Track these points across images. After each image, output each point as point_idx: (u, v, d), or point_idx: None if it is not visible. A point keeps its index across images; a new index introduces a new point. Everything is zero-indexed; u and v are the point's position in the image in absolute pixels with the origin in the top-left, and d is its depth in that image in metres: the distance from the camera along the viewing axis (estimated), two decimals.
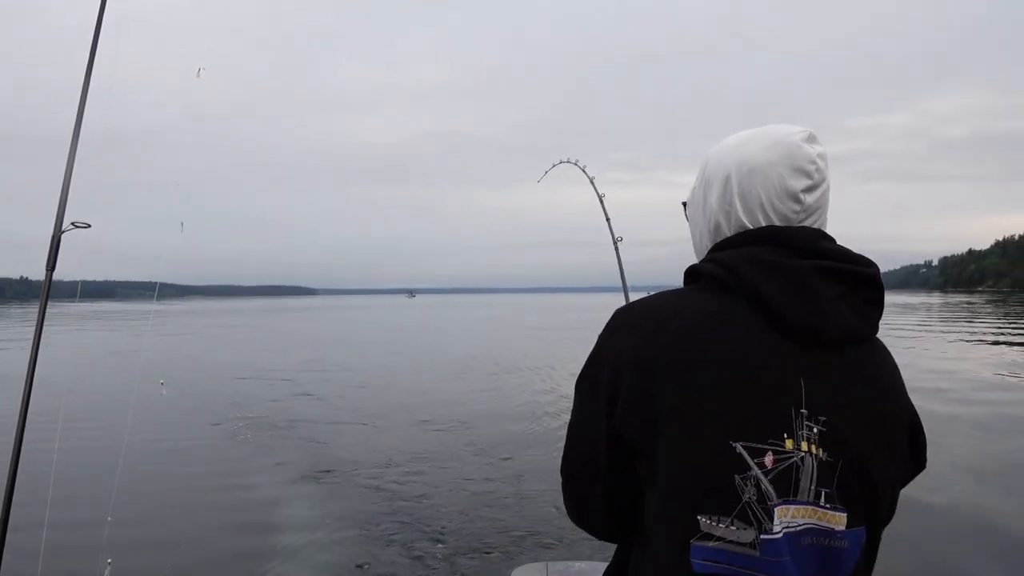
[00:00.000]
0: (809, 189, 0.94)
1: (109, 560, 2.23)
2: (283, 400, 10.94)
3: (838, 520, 0.86)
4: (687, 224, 1.11)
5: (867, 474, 0.88)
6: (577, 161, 3.98)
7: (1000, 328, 26.52)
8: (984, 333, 23.44)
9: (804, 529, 0.85)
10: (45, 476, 2.30)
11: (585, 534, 1.08)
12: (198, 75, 2.54)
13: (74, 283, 2.61)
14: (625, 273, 3.76)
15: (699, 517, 0.84)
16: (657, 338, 0.90)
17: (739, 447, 0.84)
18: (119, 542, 3.40)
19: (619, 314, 0.97)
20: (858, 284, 0.92)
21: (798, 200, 0.94)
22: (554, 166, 4.04)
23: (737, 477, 0.83)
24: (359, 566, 4.16)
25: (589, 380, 0.97)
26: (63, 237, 2.18)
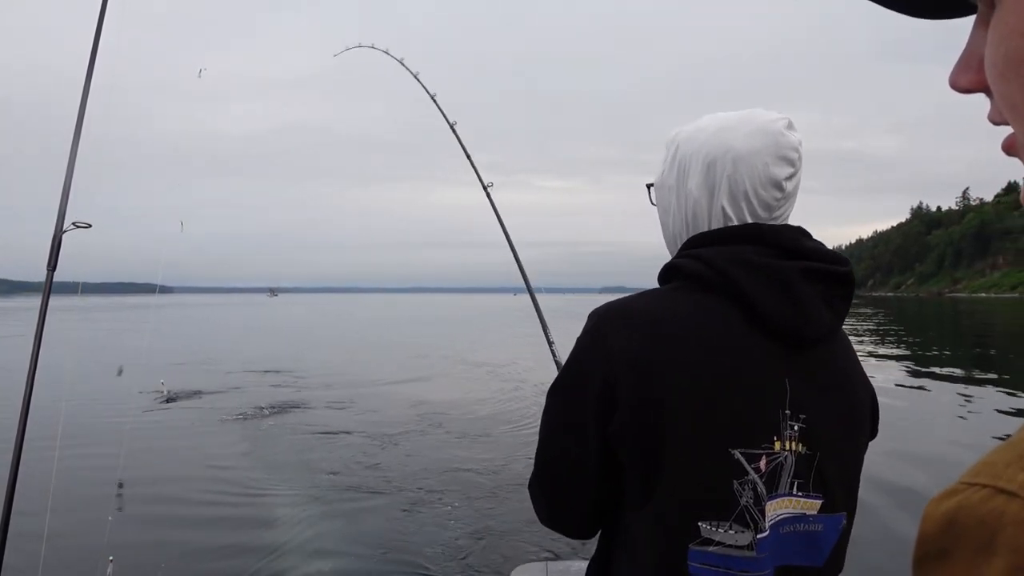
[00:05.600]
0: (791, 177, 0.94)
1: (111, 558, 2.21)
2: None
3: (811, 505, 0.89)
4: (655, 210, 1.06)
5: (842, 460, 0.92)
6: (388, 50, 3.45)
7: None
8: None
9: (782, 519, 0.87)
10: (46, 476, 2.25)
11: None
12: (199, 76, 2.54)
13: None
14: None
15: (700, 524, 0.84)
16: (653, 343, 0.86)
17: (737, 454, 0.84)
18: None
19: (602, 318, 0.91)
20: (836, 283, 0.93)
21: (781, 188, 0.93)
22: (348, 49, 3.75)
23: (735, 482, 0.84)
24: (358, 564, 4.07)
25: (573, 390, 0.92)
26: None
